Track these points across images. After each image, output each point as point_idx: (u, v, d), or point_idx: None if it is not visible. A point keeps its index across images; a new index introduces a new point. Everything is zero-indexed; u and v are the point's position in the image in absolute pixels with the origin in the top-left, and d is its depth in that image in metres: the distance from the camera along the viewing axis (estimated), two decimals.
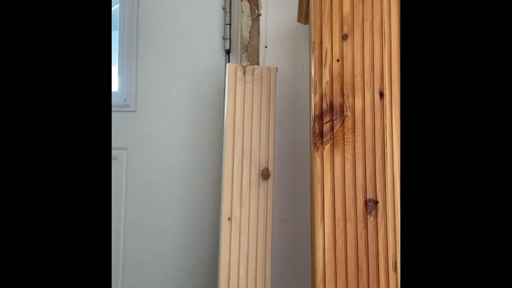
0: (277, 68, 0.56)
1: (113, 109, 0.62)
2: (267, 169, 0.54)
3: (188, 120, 0.63)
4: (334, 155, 0.41)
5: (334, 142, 0.41)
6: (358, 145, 0.41)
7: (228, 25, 0.62)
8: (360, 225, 0.40)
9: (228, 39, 0.62)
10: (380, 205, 0.40)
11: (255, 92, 0.55)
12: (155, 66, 0.65)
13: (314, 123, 0.41)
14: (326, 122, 0.41)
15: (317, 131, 0.41)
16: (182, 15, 0.65)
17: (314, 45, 0.42)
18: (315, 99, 0.42)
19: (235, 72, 0.54)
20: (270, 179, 0.54)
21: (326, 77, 0.42)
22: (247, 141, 0.54)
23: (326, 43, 0.42)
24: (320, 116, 0.41)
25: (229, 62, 0.64)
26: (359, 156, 0.41)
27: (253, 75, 0.55)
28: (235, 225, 0.51)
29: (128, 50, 0.64)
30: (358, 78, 0.41)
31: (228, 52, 0.63)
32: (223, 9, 0.63)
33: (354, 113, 0.41)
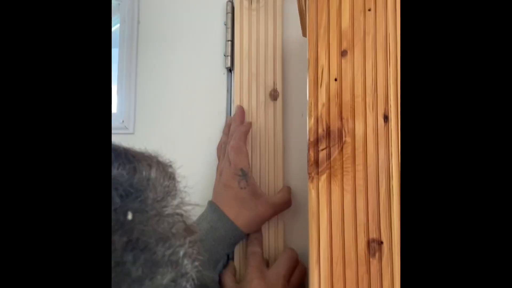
0: None
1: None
2: (275, 90, 0.56)
3: (188, 143, 0.60)
4: (332, 187, 0.36)
5: (332, 172, 0.36)
6: (359, 175, 0.36)
7: (230, 42, 0.59)
8: (362, 269, 0.34)
9: (229, 56, 0.59)
10: (385, 246, 0.34)
11: (260, 19, 0.57)
12: (155, 87, 0.62)
13: (309, 150, 0.37)
14: (322, 149, 0.36)
15: (312, 159, 0.36)
16: (183, 33, 0.62)
17: (309, 62, 0.38)
18: (309, 123, 0.37)
19: (241, 2, 0.58)
20: (279, 100, 0.56)
21: (322, 98, 0.37)
22: (255, 65, 0.57)
23: (323, 60, 0.37)
24: (315, 142, 0.36)
25: (231, 80, 0.60)
26: (360, 188, 0.35)
27: (258, 2, 0.57)
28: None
29: (127, 70, 0.62)
30: (358, 100, 0.36)
31: (230, 70, 0.60)
32: (225, 25, 0.60)
33: (355, 139, 0.36)
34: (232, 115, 0.58)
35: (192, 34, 0.62)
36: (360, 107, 0.36)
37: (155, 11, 0.63)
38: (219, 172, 0.53)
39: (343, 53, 0.37)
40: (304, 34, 0.54)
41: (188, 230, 0.26)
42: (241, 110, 0.55)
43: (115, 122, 0.60)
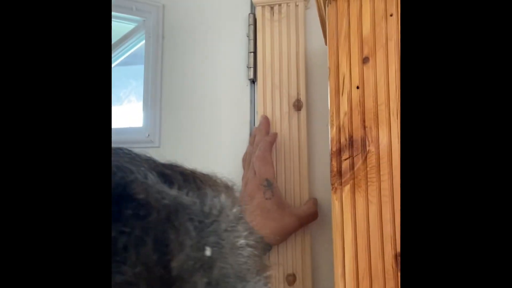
0: (305, 4, 0.58)
1: (136, 145, 0.61)
2: (298, 100, 0.55)
3: (213, 155, 0.60)
4: (356, 198, 0.34)
5: (356, 183, 0.35)
6: (385, 186, 0.34)
7: (252, 53, 0.59)
8: (390, 284, 0.33)
9: (252, 68, 0.59)
10: None
11: (283, 30, 0.57)
12: (179, 100, 0.63)
13: (331, 160, 0.36)
14: (345, 159, 0.35)
15: (335, 169, 0.35)
16: (206, 46, 0.63)
17: (329, 70, 0.37)
18: (332, 132, 0.36)
19: (263, 14, 0.58)
20: (303, 110, 0.55)
21: (344, 106, 0.36)
22: (278, 76, 0.56)
23: (344, 68, 0.36)
24: (338, 152, 0.35)
25: (254, 92, 0.60)
26: (386, 199, 0.34)
27: (280, 13, 0.57)
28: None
29: (152, 85, 0.63)
30: (382, 107, 0.35)
31: (253, 81, 0.60)
32: (247, 36, 0.60)
33: (379, 148, 0.35)
34: (256, 125, 0.58)
35: (215, 47, 0.62)
36: (384, 114, 0.35)
37: (179, 25, 0.64)
38: (244, 182, 0.52)
39: (364, 60, 0.36)
40: (327, 43, 0.54)
41: (262, 265, 0.22)
42: (266, 120, 0.55)
43: (140, 136, 0.61)
